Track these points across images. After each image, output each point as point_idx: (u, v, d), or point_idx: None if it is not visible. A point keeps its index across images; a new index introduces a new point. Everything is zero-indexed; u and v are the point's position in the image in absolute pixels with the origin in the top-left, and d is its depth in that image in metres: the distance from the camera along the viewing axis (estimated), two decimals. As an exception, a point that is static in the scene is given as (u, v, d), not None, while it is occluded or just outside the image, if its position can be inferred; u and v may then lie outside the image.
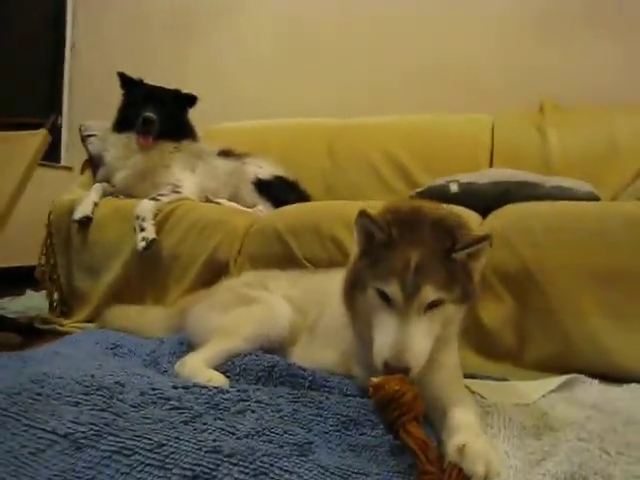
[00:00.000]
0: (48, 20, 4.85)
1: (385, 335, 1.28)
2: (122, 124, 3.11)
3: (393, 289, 1.30)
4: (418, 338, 1.27)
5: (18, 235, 2.83)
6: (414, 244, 1.34)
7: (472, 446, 1.09)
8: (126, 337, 2.24)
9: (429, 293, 1.30)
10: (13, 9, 4.70)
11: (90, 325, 2.64)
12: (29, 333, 2.65)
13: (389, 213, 1.44)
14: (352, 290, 1.45)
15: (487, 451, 1.09)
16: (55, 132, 4.61)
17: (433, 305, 1.31)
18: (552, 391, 1.76)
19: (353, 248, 1.50)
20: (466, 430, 1.16)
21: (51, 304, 2.92)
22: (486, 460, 1.06)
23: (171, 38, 4.57)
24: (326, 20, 4.18)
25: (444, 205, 1.55)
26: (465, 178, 2.56)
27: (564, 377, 1.85)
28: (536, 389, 1.76)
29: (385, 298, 1.32)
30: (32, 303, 3.28)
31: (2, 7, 4.56)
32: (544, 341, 2.09)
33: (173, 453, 1.14)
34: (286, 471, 1.08)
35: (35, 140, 2.66)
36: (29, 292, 3.56)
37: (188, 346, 1.98)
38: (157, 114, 3.00)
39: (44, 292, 3.22)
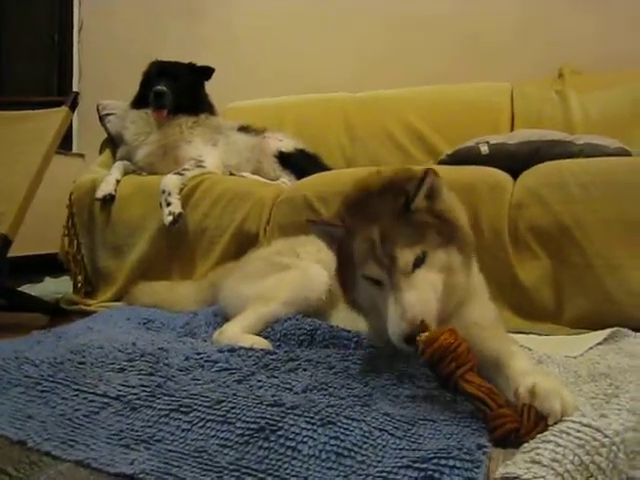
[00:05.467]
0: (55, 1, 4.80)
1: (391, 316, 1.22)
2: (140, 101, 3.11)
3: (373, 269, 1.26)
4: (415, 292, 1.21)
5: (33, 223, 2.81)
6: (370, 219, 1.29)
7: (542, 385, 1.06)
8: (157, 312, 2.23)
9: (406, 255, 1.23)
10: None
11: (116, 304, 2.62)
12: (55, 314, 2.64)
13: (341, 205, 1.40)
14: (349, 292, 1.40)
15: (559, 388, 1.07)
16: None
17: (418, 263, 1.24)
18: (598, 344, 1.74)
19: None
20: (531, 372, 1.13)
21: (75, 285, 2.90)
22: (560, 396, 1.03)
23: (183, 17, 4.50)
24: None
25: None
26: (495, 139, 2.52)
27: (608, 330, 1.83)
28: (582, 342, 1.75)
29: (375, 281, 1.28)
30: (52, 288, 3.26)
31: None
32: (582, 297, 2.07)
33: (233, 408, 1.12)
34: (353, 419, 1.06)
35: (58, 117, 2.65)
36: (48, 279, 3.55)
37: (222, 317, 1.97)
38: (169, 87, 2.99)
39: (64, 278, 3.21)
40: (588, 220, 2.07)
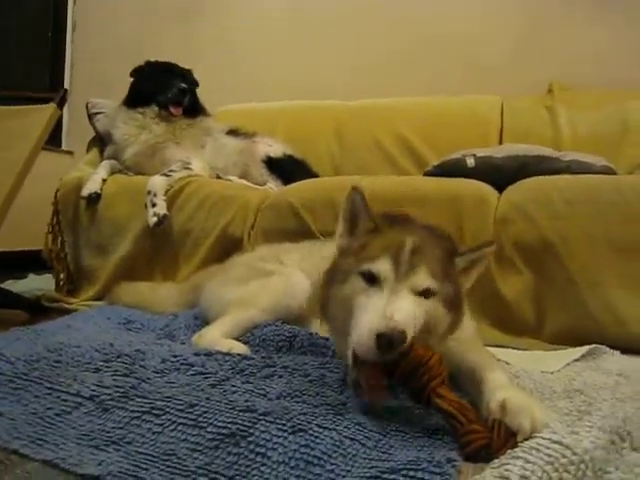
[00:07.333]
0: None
1: (371, 311, 1.14)
2: (135, 100, 3.10)
3: (384, 266, 1.19)
4: (407, 303, 1.15)
5: (19, 219, 2.77)
6: (408, 233, 1.26)
7: (513, 401, 1.06)
8: (138, 312, 2.22)
9: (424, 276, 1.19)
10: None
11: (98, 303, 2.60)
12: (35, 311, 2.61)
13: (377, 214, 1.37)
14: (329, 286, 1.33)
15: (530, 404, 1.07)
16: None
17: (424, 294, 1.19)
18: (576, 360, 1.75)
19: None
20: (504, 387, 1.14)
21: (57, 283, 2.88)
22: (530, 413, 1.03)
23: (178, 18, 4.48)
24: (333, 1, 4.14)
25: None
26: (482, 152, 2.53)
27: (586, 347, 1.84)
28: (560, 358, 1.75)
29: (371, 280, 1.20)
30: (35, 285, 3.23)
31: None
32: (563, 313, 2.07)
33: (205, 413, 1.12)
34: (325, 428, 1.06)
35: (45, 114, 2.62)
36: (31, 276, 3.52)
37: (203, 321, 1.96)
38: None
39: (47, 275, 3.19)
40: (572, 236, 2.08)
